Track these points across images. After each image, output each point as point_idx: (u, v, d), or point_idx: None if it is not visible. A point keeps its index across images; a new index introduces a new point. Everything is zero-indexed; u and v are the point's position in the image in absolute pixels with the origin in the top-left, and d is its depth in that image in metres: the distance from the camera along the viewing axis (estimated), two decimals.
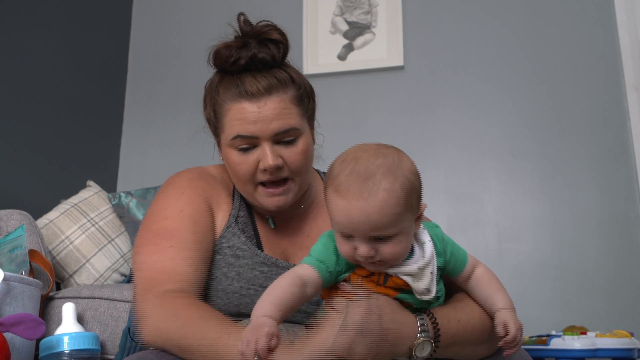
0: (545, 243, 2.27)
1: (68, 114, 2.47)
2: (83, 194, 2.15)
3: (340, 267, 0.84)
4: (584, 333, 1.59)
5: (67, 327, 1.45)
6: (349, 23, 2.64)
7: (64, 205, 2.07)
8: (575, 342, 1.57)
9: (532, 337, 1.74)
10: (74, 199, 2.11)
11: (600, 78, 2.36)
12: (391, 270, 0.82)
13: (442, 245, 0.89)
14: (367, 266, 0.82)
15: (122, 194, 2.13)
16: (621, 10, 2.37)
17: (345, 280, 0.84)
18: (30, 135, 2.25)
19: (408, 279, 0.82)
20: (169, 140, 2.70)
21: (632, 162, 2.25)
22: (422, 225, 0.88)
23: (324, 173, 1.18)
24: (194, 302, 0.88)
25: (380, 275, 0.83)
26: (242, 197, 1.09)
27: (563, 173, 2.32)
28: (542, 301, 2.19)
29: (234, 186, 1.09)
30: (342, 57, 2.61)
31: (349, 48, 2.61)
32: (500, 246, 2.31)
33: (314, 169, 1.17)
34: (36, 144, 2.28)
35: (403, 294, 0.84)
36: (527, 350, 1.60)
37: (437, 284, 0.86)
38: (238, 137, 0.98)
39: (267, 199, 1.01)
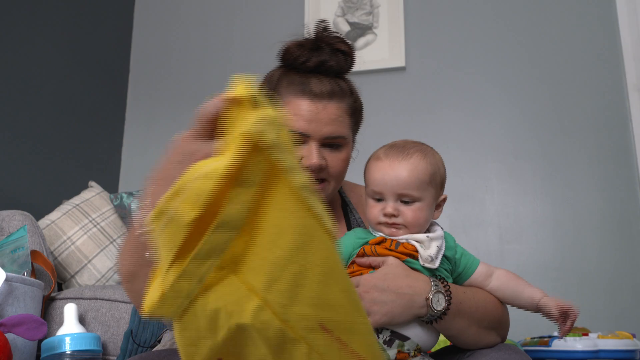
0: (547, 244, 2.27)
1: (70, 114, 2.47)
2: (85, 195, 2.16)
3: (354, 248, 0.95)
4: (586, 334, 1.59)
5: (69, 327, 1.45)
6: (350, 24, 2.64)
7: (65, 206, 2.07)
8: (577, 344, 1.56)
9: (534, 338, 1.74)
10: (76, 200, 2.11)
11: (601, 78, 2.36)
12: (402, 237, 0.93)
13: (453, 242, 0.98)
14: (385, 229, 0.94)
15: (124, 195, 2.13)
16: (623, 10, 2.37)
17: (359, 254, 0.94)
18: (32, 135, 2.25)
19: (417, 245, 0.93)
20: (171, 141, 2.70)
21: (634, 162, 2.25)
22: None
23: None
24: None
25: (392, 242, 0.93)
26: None
27: (564, 174, 2.31)
28: None
29: None
30: None
31: None
32: (501, 247, 2.30)
33: None
34: (38, 145, 2.28)
35: (411, 259, 0.93)
36: (528, 351, 1.60)
37: (442, 262, 0.94)
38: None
39: None
